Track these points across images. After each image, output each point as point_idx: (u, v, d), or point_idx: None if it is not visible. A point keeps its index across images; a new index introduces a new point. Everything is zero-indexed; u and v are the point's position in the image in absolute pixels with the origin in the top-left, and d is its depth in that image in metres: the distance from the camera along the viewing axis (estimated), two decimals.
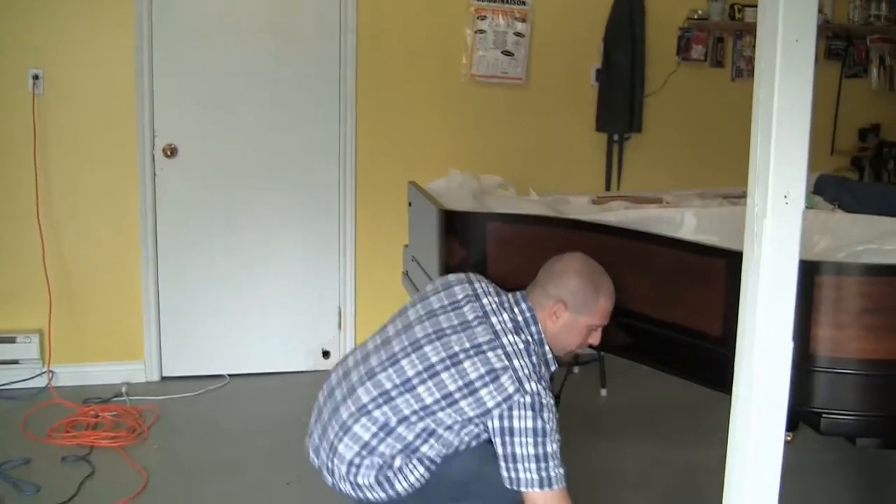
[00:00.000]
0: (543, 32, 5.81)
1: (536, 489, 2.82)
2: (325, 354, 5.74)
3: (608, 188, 5.97)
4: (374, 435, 2.91)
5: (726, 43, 6.19)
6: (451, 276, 3.19)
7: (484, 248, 3.81)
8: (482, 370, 2.87)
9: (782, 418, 2.64)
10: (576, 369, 5.76)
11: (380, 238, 5.58)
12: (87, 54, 5.17)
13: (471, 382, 2.87)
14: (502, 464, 2.85)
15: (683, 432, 4.91)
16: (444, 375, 2.89)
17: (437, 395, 2.89)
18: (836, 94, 6.40)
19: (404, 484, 2.94)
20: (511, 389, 2.85)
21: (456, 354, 2.91)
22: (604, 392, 5.45)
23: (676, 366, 3.37)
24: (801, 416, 3.02)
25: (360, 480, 2.93)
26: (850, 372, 2.83)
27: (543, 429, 2.83)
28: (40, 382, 5.28)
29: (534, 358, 2.94)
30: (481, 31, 5.68)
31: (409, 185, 4.52)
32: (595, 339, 3.14)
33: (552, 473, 2.83)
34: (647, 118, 5.99)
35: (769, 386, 2.59)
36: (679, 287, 3.28)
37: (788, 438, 3.32)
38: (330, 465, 2.97)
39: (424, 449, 2.93)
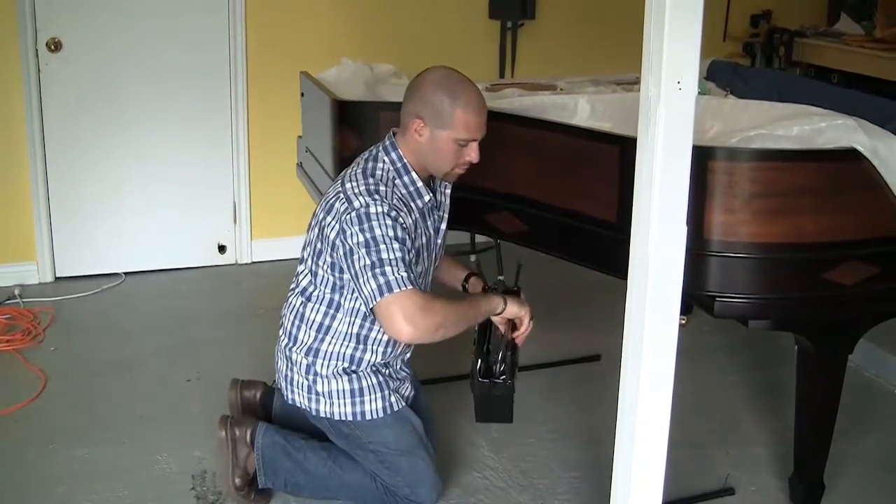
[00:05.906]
0: None
1: (378, 298, 2.76)
2: (221, 249, 5.69)
3: (502, 75, 5.95)
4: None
5: None
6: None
7: (378, 137, 3.78)
8: (325, 212, 2.96)
9: (677, 302, 2.69)
10: (473, 258, 5.80)
11: (273, 130, 5.50)
12: None
13: (322, 228, 2.96)
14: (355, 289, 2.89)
15: (580, 318, 4.98)
16: (310, 247, 3.07)
17: (311, 253, 3.05)
18: None
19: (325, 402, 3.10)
20: (341, 209, 2.88)
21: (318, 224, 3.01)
22: (501, 279, 5.48)
23: (573, 252, 3.41)
24: (695, 299, 3.08)
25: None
26: (742, 255, 2.89)
27: (373, 238, 2.80)
28: None
29: (375, 177, 2.96)
30: None
31: (301, 76, 4.46)
32: (472, 154, 3.02)
33: (390, 278, 2.76)
34: (540, 4, 5.94)
35: (663, 270, 2.63)
36: (574, 173, 3.30)
37: (683, 322, 3.37)
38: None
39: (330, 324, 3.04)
